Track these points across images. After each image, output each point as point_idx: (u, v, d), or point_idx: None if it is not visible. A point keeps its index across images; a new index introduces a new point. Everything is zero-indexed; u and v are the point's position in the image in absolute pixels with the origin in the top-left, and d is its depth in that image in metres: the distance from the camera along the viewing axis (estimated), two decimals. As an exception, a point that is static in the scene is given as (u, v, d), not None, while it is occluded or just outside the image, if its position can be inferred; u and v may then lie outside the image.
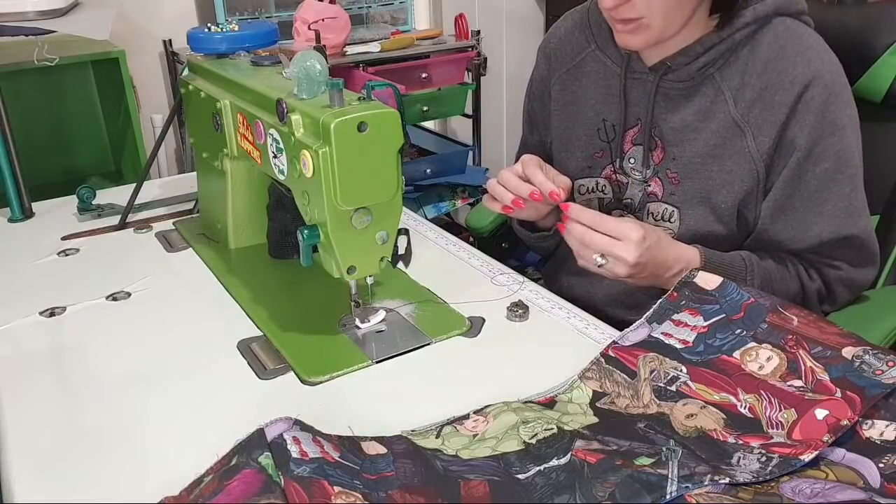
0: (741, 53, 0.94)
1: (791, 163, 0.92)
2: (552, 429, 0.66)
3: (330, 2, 2.19)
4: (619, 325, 0.85)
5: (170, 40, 2.37)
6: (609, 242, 0.86)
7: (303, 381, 0.78)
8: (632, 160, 1.03)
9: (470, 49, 2.44)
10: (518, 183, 0.95)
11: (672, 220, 0.99)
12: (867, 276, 0.98)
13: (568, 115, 1.09)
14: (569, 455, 0.63)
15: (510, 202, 0.95)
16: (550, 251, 1.17)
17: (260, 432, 0.61)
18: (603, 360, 0.77)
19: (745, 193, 0.95)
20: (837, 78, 0.92)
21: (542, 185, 0.93)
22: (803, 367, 0.70)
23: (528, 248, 1.30)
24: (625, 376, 0.74)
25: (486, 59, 2.46)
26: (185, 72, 1.11)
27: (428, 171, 2.34)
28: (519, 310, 0.88)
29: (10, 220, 1.21)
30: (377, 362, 0.80)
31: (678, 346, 0.76)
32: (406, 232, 0.85)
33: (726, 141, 0.95)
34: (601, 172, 1.06)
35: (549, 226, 1.08)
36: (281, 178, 0.83)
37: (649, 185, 1.01)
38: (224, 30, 1.04)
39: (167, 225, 1.18)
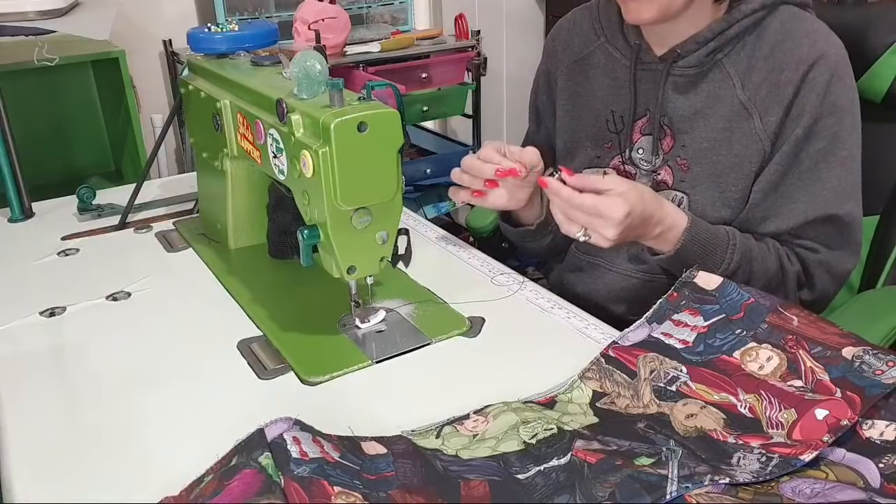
0: (748, 39, 0.96)
1: (790, 139, 0.94)
2: (552, 429, 0.66)
3: (330, 2, 2.19)
4: (620, 321, 0.85)
5: (170, 40, 2.37)
6: (589, 220, 0.85)
7: (303, 381, 0.78)
8: (640, 150, 1.03)
9: (470, 49, 2.44)
10: (481, 165, 0.94)
11: (682, 206, 1.00)
12: (847, 264, 0.98)
13: (575, 106, 1.10)
14: (569, 455, 0.63)
15: (476, 186, 0.96)
16: (543, 252, 1.16)
17: (260, 432, 0.61)
18: (603, 360, 0.77)
19: (755, 175, 0.96)
20: (841, 60, 0.94)
21: (501, 164, 0.93)
22: (803, 367, 0.70)
23: (536, 255, 1.29)
24: (625, 376, 0.74)
25: (486, 59, 2.46)
26: (185, 72, 1.11)
27: (428, 171, 2.34)
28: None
29: (10, 220, 1.21)
30: (377, 362, 0.80)
31: (678, 346, 0.76)
32: (406, 232, 0.85)
33: (733, 124, 0.96)
34: (609, 163, 1.06)
35: (532, 220, 1.06)
36: (281, 178, 0.83)
37: (658, 174, 1.02)
38: (224, 30, 1.04)
39: (167, 225, 1.18)
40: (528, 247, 1.13)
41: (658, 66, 1.00)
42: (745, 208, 0.97)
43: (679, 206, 1.00)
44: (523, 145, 1.22)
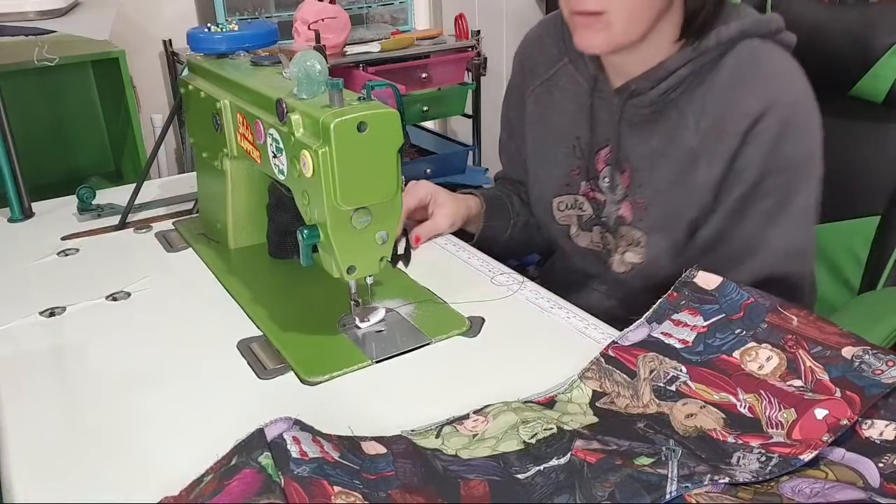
0: (706, 78, 0.91)
1: (734, 196, 0.89)
2: (552, 429, 0.66)
3: (330, 2, 2.20)
4: None
5: (170, 40, 2.38)
6: None
7: (303, 381, 0.78)
8: (606, 180, 1.01)
9: (470, 49, 2.44)
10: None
11: (641, 245, 0.98)
12: None
13: (543, 130, 1.08)
14: (569, 455, 0.63)
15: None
16: (507, 246, 1.19)
17: (260, 432, 0.61)
18: (603, 359, 0.77)
19: (691, 223, 0.93)
20: (797, 108, 0.88)
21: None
22: (803, 367, 0.70)
23: (529, 251, 1.30)
24: (625, 376, 0.74)
25: (486, 59, 2.47)
26: (185, 72, 1.11)
27: (428, 171, 2.34)
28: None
29: (10, 220, 1.21)
30: (377, 362, 0.80)
31: (678, 345, 0.76)
32: (406, 232, 0.85)
33: (688, 168, 0.92)
34: (579, 190, 1.05)
35: (475, 230, 1.14)
36: (281, 178, 0.83)
37: (620, 209, 1.00)
38: (224, 30, 1.04)
39: (167, 225, 1.18)
40: (492, 242, 1.18)
41: (614, 99, 0.97)
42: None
43: (638, 244, 0.98)
44: (499, 152, 1.22)
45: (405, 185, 1.07)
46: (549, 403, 0.72)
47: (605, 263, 1.06)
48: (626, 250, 1.02)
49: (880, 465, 0.60)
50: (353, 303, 0.86)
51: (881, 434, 0.63)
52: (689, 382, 0.72)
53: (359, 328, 0.85)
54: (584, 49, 0.93)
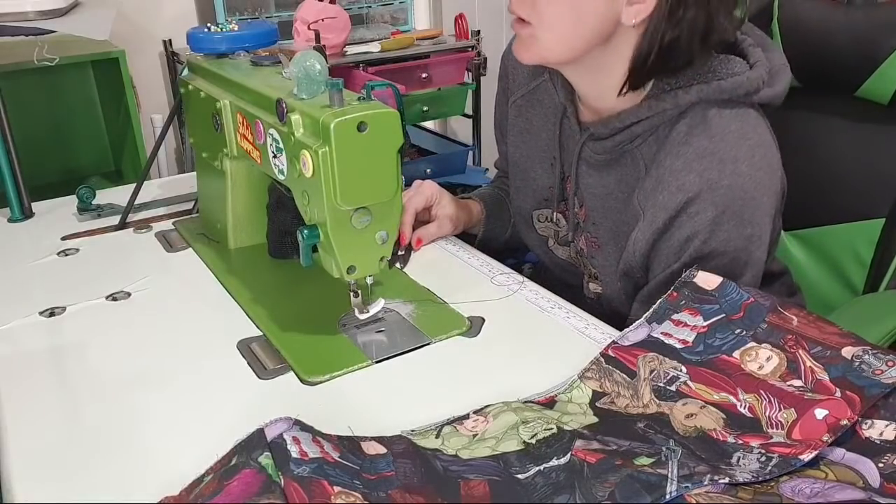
0: (661, 136, 0.87)
1: (667, 270, 0.87)
2: (552, 429, 0.66)
3: (330, 2, 2.20)
4: None
5: (170, 40, 2.38)
6: None
7: (303, 381, 0.78)
8: (569, 205, 1.01)
9: (470, 49, 2.44)
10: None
11: (598, 279, 0.98)
12: None
13: (523, 143, 1.07)
14: (568, 455, 0.63)
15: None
16: (506, 243, 1.20)
17: (260, 432, 0.61)
18: (603, 359, 0.77)
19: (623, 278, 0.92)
20: (738, 193, 0.82)
21: (404, 225, 1.02)
22: (803, 367, 0.70)
23: (528, 249, 1.31)
24: (624, 376, 0.74)
25: (486, 59, 2.47)
26: (185, 72, 1.11)
27: (428, 171, 2.35)
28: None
29: (10, 220, 1.21)
30: (377, 362, 0.80)
31: (678, 345, 0.76)
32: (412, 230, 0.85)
33: (631, 222, 0.90)
34: (556, 207, 1.05)
35: (475, 230, 1.15)
36: (281, 177, 0.83)
37: (580, 240, 1.00)
38: (224, 30, 1.04)
39: (167, 225, 1.18)
40: (493, 243, 1.19)
41: (577, 133, 0.95)
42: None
43: (596, 279, 0.97)
44: (496, 144, 1.22)
45: (408, 185, 1.07)
46: (549, 403, 0.72)
47: (582, 280, 1.06)
48: (590, 280, 1.02)
49: (880, 465, 0.60)
50: (352, 293, 0.85)
51: (881, 434, 0.63)
52: (689, 382, 0.72)
53: (359, 321, 0.85)
54: (518, 59, 0.91)
